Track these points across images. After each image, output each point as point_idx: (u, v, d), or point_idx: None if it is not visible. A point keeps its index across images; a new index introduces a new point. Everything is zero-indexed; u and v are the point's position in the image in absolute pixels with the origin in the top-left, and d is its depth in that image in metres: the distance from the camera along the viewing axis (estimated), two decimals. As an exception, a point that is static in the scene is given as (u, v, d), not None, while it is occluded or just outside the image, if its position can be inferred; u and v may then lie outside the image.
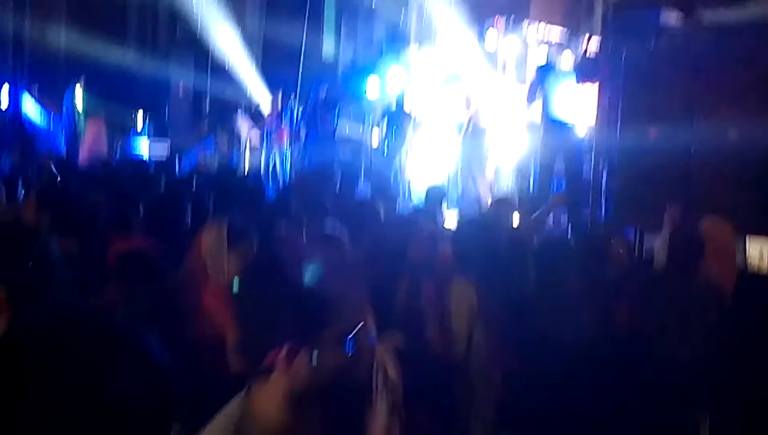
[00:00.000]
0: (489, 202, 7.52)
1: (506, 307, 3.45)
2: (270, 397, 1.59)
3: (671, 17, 7.25)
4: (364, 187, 8.12)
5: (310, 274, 2.97)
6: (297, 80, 14.38)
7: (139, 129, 15.07)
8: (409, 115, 11.56)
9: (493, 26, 11.94)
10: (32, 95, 14.17)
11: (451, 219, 7.54)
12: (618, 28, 7.38)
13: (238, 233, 3.30)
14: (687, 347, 3.48)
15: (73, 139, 12.94)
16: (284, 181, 11.67)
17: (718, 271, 3.85)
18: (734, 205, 5.96)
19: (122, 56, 15.18)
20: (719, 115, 6.37)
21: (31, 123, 13.99)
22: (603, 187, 7.66)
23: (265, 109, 14.05)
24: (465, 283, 3.53)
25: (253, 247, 3.37)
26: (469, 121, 10.59)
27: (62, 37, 15.33)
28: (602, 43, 7.79)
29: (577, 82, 8.21)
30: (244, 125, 14.16)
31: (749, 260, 6.56)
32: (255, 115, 14.24)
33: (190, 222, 4.35)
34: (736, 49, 6.84)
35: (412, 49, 13.62)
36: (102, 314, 1.38)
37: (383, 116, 11.92)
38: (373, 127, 12.49)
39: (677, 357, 3.46)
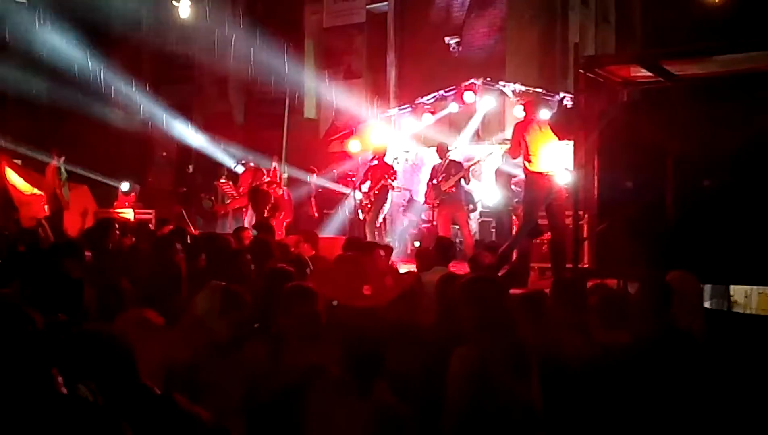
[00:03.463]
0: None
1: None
2: None
3: (640, 73, 7.49)
4: None
5: None
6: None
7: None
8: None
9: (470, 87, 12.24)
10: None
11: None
12: (590, 84, 7.58)
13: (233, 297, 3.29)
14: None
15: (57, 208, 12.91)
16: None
17: (686, 320, 4.15)
18: (712, 254, 6.10)
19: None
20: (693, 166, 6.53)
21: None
22: (583, 237, 7.77)
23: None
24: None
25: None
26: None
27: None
28: (576, 100, 7.98)
29: (555, 135, 8.41)
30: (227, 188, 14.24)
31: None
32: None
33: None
34: (708, 99, 7.05)
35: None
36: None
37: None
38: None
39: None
